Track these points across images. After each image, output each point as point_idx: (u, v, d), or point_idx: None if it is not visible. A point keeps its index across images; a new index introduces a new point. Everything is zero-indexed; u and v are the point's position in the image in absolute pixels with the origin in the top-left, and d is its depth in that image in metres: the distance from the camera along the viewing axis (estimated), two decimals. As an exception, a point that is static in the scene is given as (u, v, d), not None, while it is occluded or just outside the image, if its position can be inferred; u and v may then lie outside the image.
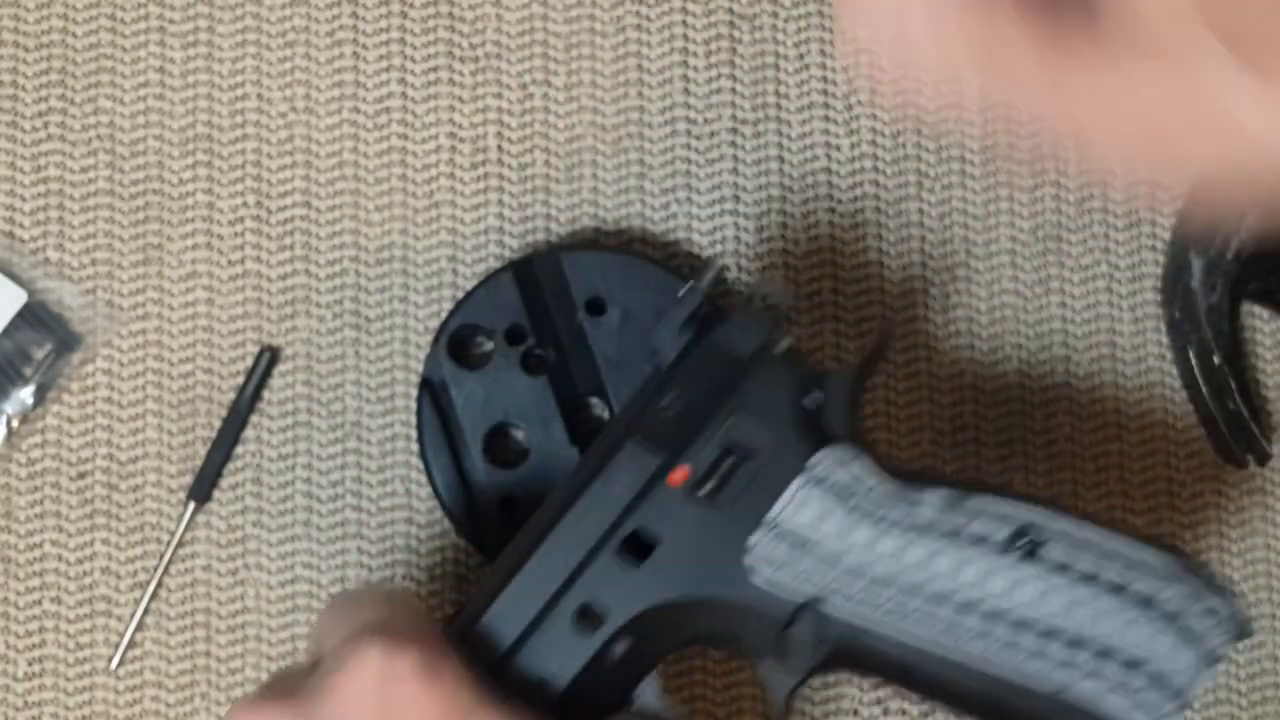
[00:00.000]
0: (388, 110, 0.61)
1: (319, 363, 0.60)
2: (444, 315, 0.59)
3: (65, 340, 0.60)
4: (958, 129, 0.62)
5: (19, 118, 0.61)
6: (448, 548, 0.60)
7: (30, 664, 0.59)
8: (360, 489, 0.60)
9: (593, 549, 0.50)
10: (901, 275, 0.61)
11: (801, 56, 0.62)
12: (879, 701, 0.60)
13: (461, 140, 0.61)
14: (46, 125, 0.61)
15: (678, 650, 0.54)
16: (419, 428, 0.58)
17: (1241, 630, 0.49)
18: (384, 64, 0.61)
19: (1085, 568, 0.49)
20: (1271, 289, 0.60)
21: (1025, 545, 0.49)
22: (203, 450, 0.60)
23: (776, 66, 0.62)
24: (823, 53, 0.62)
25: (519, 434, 0.59)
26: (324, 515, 0.60)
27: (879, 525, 0.50)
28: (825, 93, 0.62)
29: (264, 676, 0.59)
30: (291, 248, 0.61)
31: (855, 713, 0.60)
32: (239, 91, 0.61)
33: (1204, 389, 0.60)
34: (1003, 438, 0.61)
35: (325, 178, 0.61)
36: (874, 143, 0.62)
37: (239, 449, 0.60)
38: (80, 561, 0.60)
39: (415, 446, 0.59)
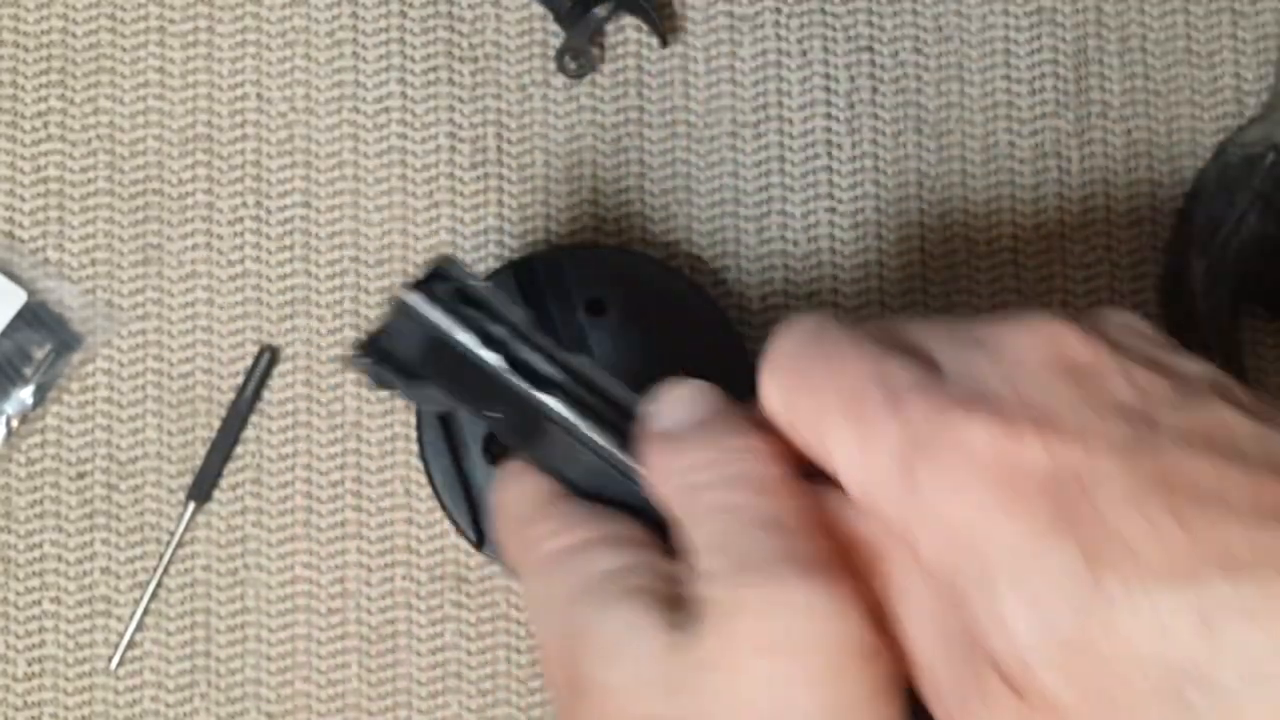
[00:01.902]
0: (387, 110, 0.61)
1: (319, 363, 0.61)
2: (444, 315, 0.59)
3: (65, 340, 0.60)
4: (958, 129, 0.62)
5: (19, 118, 0.61)
6: (448, 548, 0.60)
7: (30, 664, 0.59)
8: (360, 489, 0.60)
9: None
10: (901, 275, 0.61)
11: (805, 53, 0.62)
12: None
13: (461, 140, 0.61)
14: (46, 125, 0.61)
15: None
16: (419, 428, 0.58)
17: None
18: (384, 64, 0.61)
19: None
20: (1271, 289, 0.60)
21: None
22: (203, 450, 0.60)
23: (779, 64, 0.62)
24: (825, 49, 0.62)
25: (519, 434, 0.59)
26: (324, 515, 0.60)
27: None
28: (827, 90, 0.62)
29: (264, 676, 0.60)
30: (291, 248, 0.61)
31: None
32: (239, 91, 0.61)
33: (1204, 389, 0.60)
34: (1003, 438, 0.61)
35: (325, 178, 0.61)
36: (875, 142, 0.62)
37: (239, 449, 0.60)
38: (80, 561, 0.60)
39: (415, 446, 0.59)
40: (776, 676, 0.37)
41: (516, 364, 0.45)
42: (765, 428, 0.40)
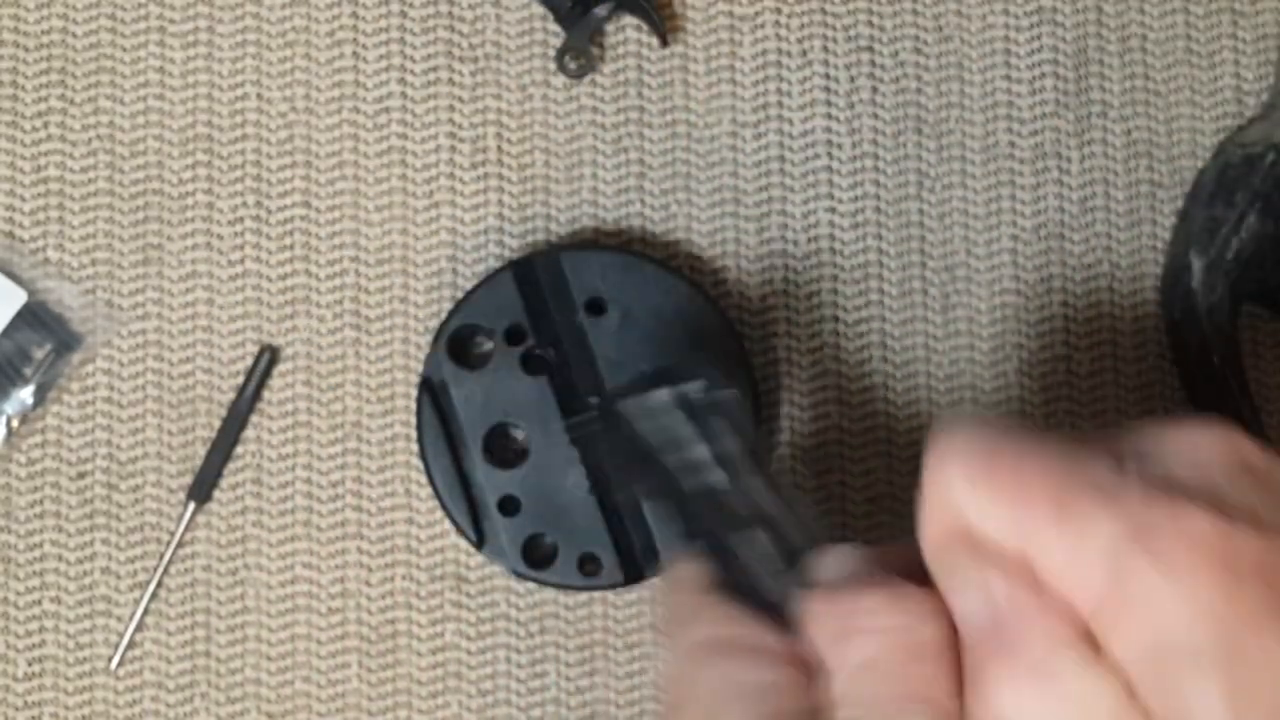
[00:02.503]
0: (387, 110, 0.61)
1: (319, 363, 0.61)
2: (444, 315, 0.59)
3: (65, 340, 0.60)
4: (959, 128, 0.62)
5: (19, 118, 0.61)
6: (448, 548, 0.60)
7: (30, 664, 0.59)
8: (360, 489, 0.60)
9: None
10: (901, 275, 0.61)
11: (805, 53, 0.62)
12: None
13: (461, 140, 0.61)
14: (46, 125, 0.61)
15: None
16: (419, 428, 0.58)
17: None
18: (384, 64, 0.61)
19: None
20: (1271, 289, 0.60)
21: None
22: (203, 450, 0.60)
23: (779, 64, 0.62)
24: (825, 49, 0.62)
25: (519, 434, 0.59)
26: (324, 515, 0.60)
27: None
28: (827, 90, 0.62)
29: (264, 676, 0.60)
30: (291, 248, 0.61)
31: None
32: (239, 91, 0.61)
33: (1204, 389, 0.60)
34: (1003, 438, 0.61)
35: (325, 178, 0.61)
36: (875, 142, 0.62)
37: (239, 449, 0.60)
38: (80, 561, 0.60)
39: (415, 446, 0.59)
40: None
41: (734, 489, 0.41)
42: (919, 582, 0.40)
